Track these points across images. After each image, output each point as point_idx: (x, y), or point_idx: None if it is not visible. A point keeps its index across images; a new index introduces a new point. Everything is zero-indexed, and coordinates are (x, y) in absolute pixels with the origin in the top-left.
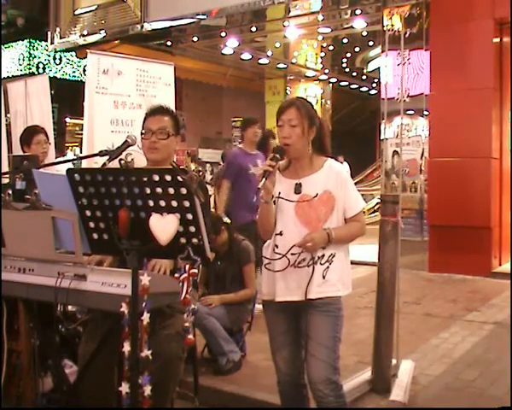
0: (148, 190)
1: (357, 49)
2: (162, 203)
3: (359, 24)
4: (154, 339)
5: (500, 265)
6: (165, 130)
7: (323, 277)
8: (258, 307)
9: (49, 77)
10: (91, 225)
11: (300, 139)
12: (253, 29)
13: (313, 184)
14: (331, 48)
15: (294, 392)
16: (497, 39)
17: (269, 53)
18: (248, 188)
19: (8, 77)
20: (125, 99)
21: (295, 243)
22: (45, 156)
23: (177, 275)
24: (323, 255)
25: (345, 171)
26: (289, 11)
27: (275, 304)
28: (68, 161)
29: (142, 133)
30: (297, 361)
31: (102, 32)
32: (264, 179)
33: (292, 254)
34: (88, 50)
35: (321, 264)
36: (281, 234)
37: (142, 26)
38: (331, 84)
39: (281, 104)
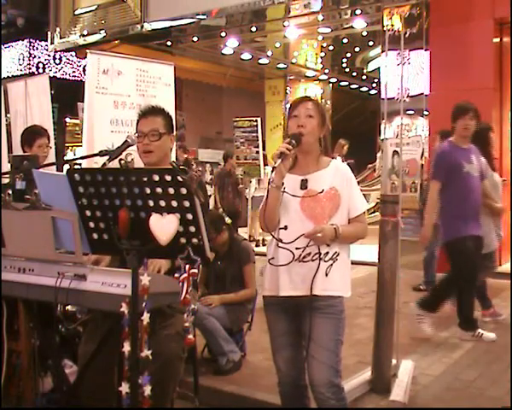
0: (148, 190)
1: (357, 49)
2: (162, 203)
3: (359, 24)
4: (154, 339)
5: (500, 265)
6: (156, 131)
7: (326, 274)
8: None
9: (49, 77)
10: (91, 225)
11: (315, 131)
12: (253, 29)
13: (319, 180)
14: (331, 48)
15: (295, 393)
16: (497, 39)
17: (269, 53)
18: (464, 191)
19: (8, 77)
20: (124, 99)
21: (303, 233)
22: (45, 160)
23: (177, 275)
24: (328, 252)
25: (350, 171)
26: (289, 11)
27: (276, 304)
28: (69, 161)
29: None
30: (297, 362)
31: (102, 32)
32: (279, 160)
33: (297, 248)
34: (88, 50)
35: (325, 261)
36: (285, 228)
37: (142, 26)
38: (331, 84)
39: (295, 99)
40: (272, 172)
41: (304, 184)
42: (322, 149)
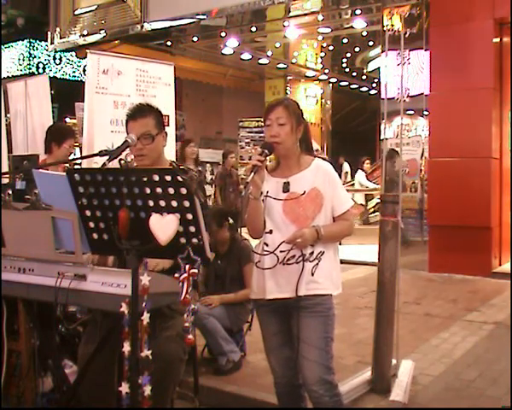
0: (148, 190)
1: (357, 49)
2: (162, 203)
3: (359, 24)
4: (155, 341)
5: (500, 265)
6: (149, 134)
7: (312, 274)
8: None
9: (49, 77)
10: (91, 225)
11: (289, 137)
12: (253, 29)
13: (301, 182)
14: (331, 48)
15: (291, 392)
16: (497, 39)
17: (269, 53)
18: None
19: (8, 77)
20: (124, 99)
21: (284, 240)
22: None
23: (177, 275)
24: (312, 253)
25: (333, 169)
26: (289, 11)
27: (266, 305)
28: (69, 161)
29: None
30: (291, 362)
31: (102, 32)
32: (252, 174)
33: (281, 251)
34: (88, 50)
35: (310, 261)
36: (270, 232)
37: (142, 26)
38: (331, 84)
39: (268, 104)
40: (245, 186)
41: (286, 187)
42: (304, 148)
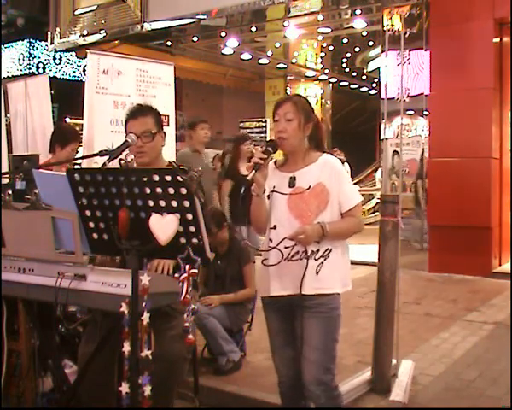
0: (148, 190)
1: (357, 49)
2: (162, 203)
3: (359, 24)
4: (159, 340)
5: (500, 265)
6: (149, 132)
7: (317, 273)
8: None
9: (49, 77)
10: (91, 225)
11: (296, 133)
12: (253, 29)
13: (306, 176)
14: (331, 48)
15: (294, 392)
16: (497, 39)
17: (269, 53)
18: None
19: (8, 77)
20: (124, 99)
21: (287, 235)
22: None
23: (177, 275)
24: (318, 250)
25: (340, 164)
26: (289, 11)
27: (271, 303)
28: (69, 161)
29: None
30: (295, 362)
31: (102, 32)
32: (254, 172)
33: (285, 247)
34: (88, 50)
35: (315, 259)
36: (274, 228)
37: (142, 26)
38: (331, 84)
39: (277, 100)
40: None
41: (292, 182)
42: (314, 145)
